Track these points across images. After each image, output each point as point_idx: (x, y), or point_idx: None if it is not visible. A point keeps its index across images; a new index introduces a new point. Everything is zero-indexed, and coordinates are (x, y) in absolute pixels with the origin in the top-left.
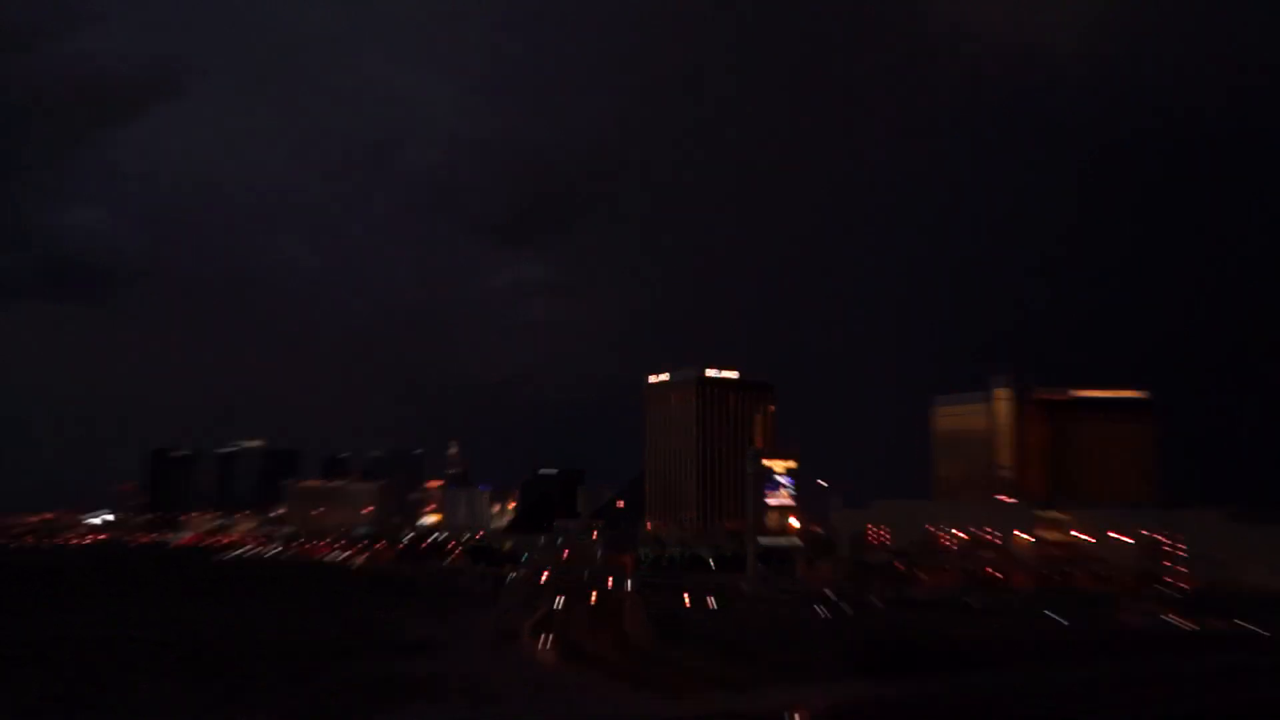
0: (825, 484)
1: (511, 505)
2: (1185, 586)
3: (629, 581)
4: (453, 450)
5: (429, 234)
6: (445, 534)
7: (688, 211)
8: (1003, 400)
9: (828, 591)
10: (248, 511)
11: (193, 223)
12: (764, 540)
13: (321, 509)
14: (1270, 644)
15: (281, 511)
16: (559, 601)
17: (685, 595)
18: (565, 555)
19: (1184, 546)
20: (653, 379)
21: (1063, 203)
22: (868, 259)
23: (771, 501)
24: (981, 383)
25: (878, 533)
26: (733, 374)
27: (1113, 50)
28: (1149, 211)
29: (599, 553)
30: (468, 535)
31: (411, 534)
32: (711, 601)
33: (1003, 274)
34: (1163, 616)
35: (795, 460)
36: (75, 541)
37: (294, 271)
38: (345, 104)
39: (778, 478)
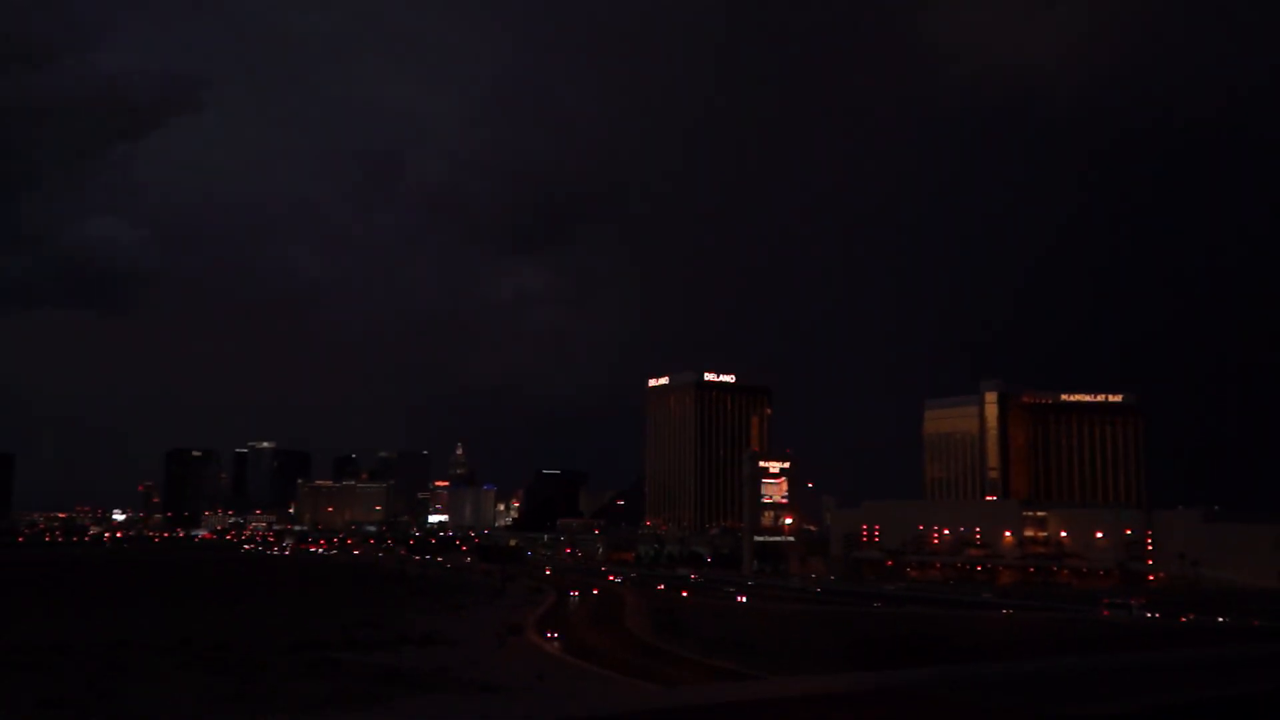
0: (811, 485)
1: (516, 504)
2: (1155, 580)
3: (630, 576)
4: (459, 452)
5: (436, 245)
6: (452, 532)
7: (684, 219)
8: (991, 403)
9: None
10: (258, 510)
11: (206, 232)
12: (759, 538)
13: (331, 508)
14: (1247, 635)
15: (293, 509)
16: (562, 596)
17: (684, 591)
18: (568, 552)
19: (1160, 544)
20: (652, 382)
21: (1053, 209)
22: (861, 264)
23: (766, 500)
24: (972, 386)
25: (871, 532)
26: (730, 378)
27: (1104, 58)
28: (1136, 217)
29: (600, 550)
30: (473, 533)
31: (419, 532)
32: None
33: (994, 279)
34: (1141, 612)
35: (789, 461)
36: (104, 536)
37: (304, 279)
38: (355, 118)
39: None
